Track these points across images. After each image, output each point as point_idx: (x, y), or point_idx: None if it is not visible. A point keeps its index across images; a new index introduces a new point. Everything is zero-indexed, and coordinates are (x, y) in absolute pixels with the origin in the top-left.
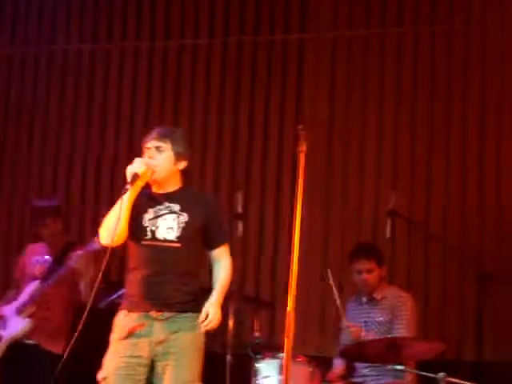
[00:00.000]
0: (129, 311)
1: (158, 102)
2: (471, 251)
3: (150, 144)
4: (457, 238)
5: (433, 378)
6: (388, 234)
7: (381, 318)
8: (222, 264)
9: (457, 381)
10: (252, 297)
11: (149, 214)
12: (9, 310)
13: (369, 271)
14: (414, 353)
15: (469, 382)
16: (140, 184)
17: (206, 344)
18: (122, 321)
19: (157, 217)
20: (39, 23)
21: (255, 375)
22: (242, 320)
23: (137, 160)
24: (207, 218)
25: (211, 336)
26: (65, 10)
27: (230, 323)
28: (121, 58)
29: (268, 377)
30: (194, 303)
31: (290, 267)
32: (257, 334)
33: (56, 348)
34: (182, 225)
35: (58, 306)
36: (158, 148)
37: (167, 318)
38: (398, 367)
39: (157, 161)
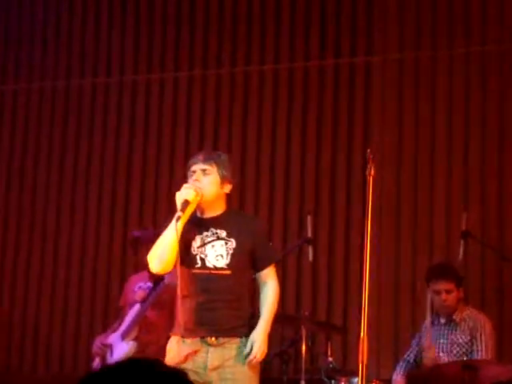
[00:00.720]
0: (182, 337)
1: (226, 127)
2: None
3: (196, 167)
4: None
5: None
6: (461, 256)
7: (460, 340)
8: (268, 286)
9: None
10: (324, 321)
11: (196, 242)
12: (114, 337)
13: (448, 292)
14: (489, 375)
15: None
16: (190, 210)
17: (280, 370)
18: (176, 347)
19: (204, 244)
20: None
21: None
22: (314, 345)
23: (185, 186)
24: (254, 241)
25: (285, 362)
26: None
27: (303, 348)
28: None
29: None
30: (247, 327)
31: (362, 291)
32: (330, 358)
33: None
34: (230, 251)
35: (161, 328)
36: (204, 171)
37: (222, 344)
38: None
39: (203, 184)
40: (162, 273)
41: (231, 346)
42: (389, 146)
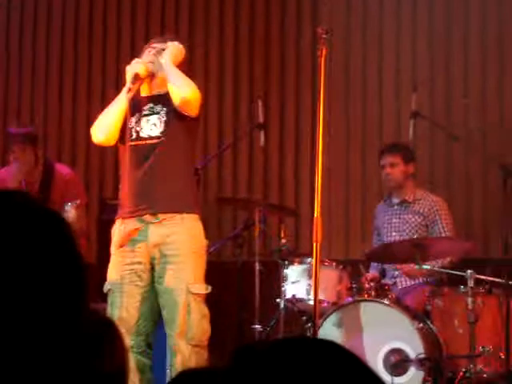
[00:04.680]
0: (123, 219)
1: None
2: (493, 148)
3: (156, 44)
4: (478, 136)
5: (460, 275)
6: (411, 136)
7: (413, 219)
8: None
9: (484, 277)
10: (276, 205)
11: (134, 117)
12: None
13: (391, 165)
14: (439, 251)
15: (496, 278)
16: (139, 84)
17: (233, 253)
18: (118, 230)
19: (141, 117)
20: None
21: (284, 281)
22: (267, 228)
23: (136, 60)
24: None
25: (239, 245)
26: None
27: (257, 232)
28: None
29: (297, 282)
30: (188, 202)
31: (316, 173)
32: (283, 240)
33: None
34: (163, 118)
35: None
36: (158, 51)
37: (161, 221)
38: (425, 266)
39: (155, 59)
40: (104, 144)
41: (172, 222)
42: (338, 24)
